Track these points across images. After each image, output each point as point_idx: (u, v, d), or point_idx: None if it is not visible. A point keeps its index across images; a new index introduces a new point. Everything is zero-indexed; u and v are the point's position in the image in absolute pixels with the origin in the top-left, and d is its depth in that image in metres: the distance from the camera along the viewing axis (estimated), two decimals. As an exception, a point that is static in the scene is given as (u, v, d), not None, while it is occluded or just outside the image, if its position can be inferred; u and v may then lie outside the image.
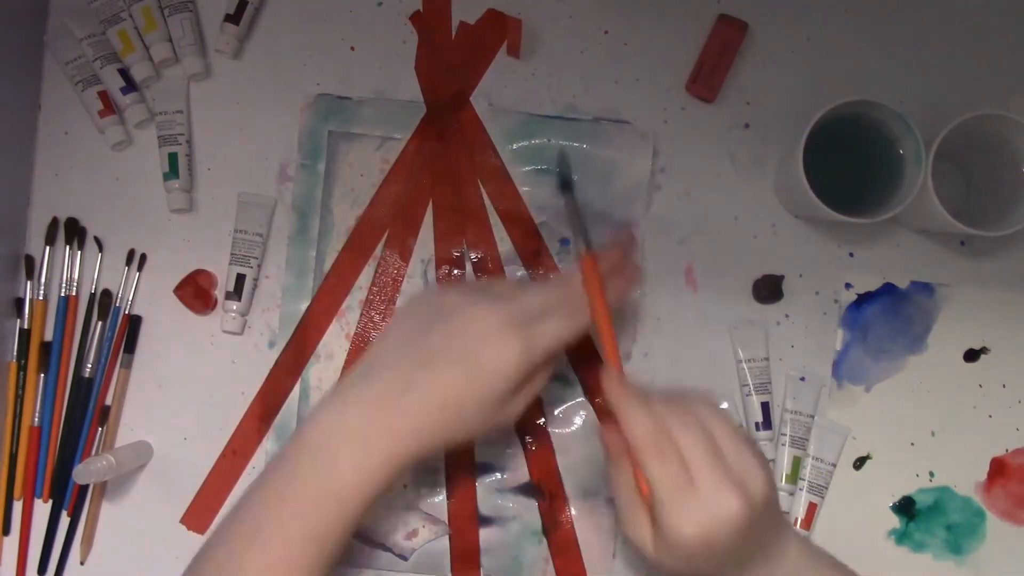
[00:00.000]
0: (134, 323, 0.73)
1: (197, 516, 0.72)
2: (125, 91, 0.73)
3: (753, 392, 0.72)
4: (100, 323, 0.73)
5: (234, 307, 0.72)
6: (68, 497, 0.72)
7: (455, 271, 0.73)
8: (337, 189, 0.74)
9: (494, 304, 0.55)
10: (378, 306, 0.73)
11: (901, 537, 0.72)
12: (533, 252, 0.73)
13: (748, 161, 0.74)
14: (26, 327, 0.73)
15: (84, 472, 0.66)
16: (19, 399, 0.72)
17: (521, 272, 0.73)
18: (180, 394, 0.73)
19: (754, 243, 0.73)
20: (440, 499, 0.72)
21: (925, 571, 0.71)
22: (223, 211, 0.74)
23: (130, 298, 0.73)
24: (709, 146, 0.74)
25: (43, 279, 0.73)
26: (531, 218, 0.73)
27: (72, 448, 0.72)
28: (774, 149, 0.73)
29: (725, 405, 0.72)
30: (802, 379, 0.72)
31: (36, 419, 0.72)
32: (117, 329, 0.73)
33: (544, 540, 0.71)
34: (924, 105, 0.71)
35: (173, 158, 0.72)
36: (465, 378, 0.54)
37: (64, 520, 0.72)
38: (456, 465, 0.72)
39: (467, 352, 0.54)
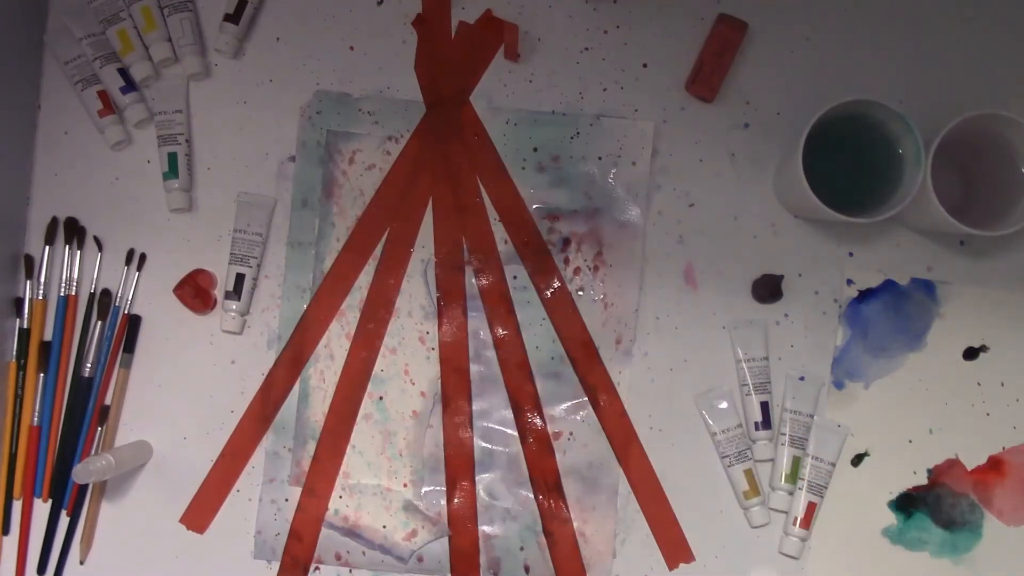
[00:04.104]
0: (134, 323, 0.73)
1: (197, 515, 0.72)
2: (125, 91, 0.73)
3: (753, 391, 0.72)
4: (100, 323, 0.73)
5: (234, 307, 0.72)
6: (68, 497, 0.72)
7: (450, 264, 0.73)
8: (337, 189, 0.74)
9: None
10: (378, 306, 0.73)
11: (898, 535, 0.72)
12: (533, 251, 0.73)
13: (748, 161, 0.74)
14: (26, 327, 0.73)
15: (83, 472, 0.66)
16: (19, 399, 0.72)
17: (520, 274, 0.73)
18: (180, 394, 0.73)
19: (754, 243, 0.73)
20: (440, 499, 0.72)
21: (922, 569, 0.71)
22: (223, 211, 0.74)
23: (130, 298, 0.73)
24: (709, 146, 0.74)
25: (43, 279, 0.73)
26: (531, 217, 0.73)
27: (72, 448, 0.72)
28: (774, 149, 0.74)
29: (724, 404, 0.72)
30: (801, 378, 0.72)
31: (36, 419, 0.72)
32: (117, 329, 0.73)
33: (544, 540, 0.72)
34: (924, 105, 0.71)
35: (173, 158, 0.72)
36: None
37: (64, 520, 0.73)
38: (456, 465, 0.72)
39: None
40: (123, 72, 0.73)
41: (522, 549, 0.72)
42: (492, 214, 0.74)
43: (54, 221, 0.74)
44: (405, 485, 0.72)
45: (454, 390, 0.73)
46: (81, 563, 0.72)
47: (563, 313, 0.73)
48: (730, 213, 0.73)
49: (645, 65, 0.74)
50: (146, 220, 0.74)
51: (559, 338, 0.73)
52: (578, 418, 0.72)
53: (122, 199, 0.74)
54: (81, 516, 0.72)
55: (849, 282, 0.73)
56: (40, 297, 0.73)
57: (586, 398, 0.72)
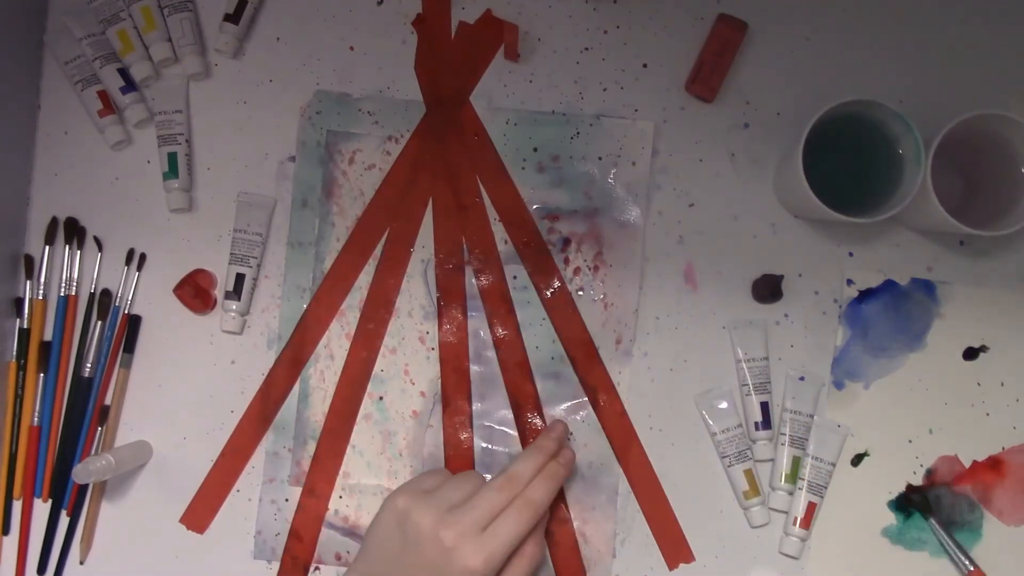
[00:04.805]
0: (134, 323, 0.73)
1: (197, 515, 0.72)
2: (125, 91, 0.73)
3: (753, 392, 0.72)
4: (100, 323, 0.73)
5: (233, 307, 0.72)
6: (68, 497, 0.72)
7: (450, 264, 0.73)
8: (337, 189, 0.74)
9: (452, 526, 0.60)
10: (378, 306, 0.73)
11: (897, 535, 0.72)
12: (533, 251, 0.73)
13: (748, 161, 0.74)
14: (26, 327, 0.73)
15: (83, 472, 0.66)
16: (19, 399, 0.72)
17: (520, 274, 0.73)
18: (180, 394, 0.73)
19: (754, 243, 0.73)
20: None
21: (921, 569, 0.71)
22: (222, 211, 0.74)
23: (129, 298, 0.73)
24: (709, 146, 0.74)
25: (43, 279, 0.73)
26: (531, 217, 0.73)
27: (72, 448, 0.72)
28: (774, 149, 0.74)
29: (725, 404, 0.72)
30: (801, 379, 0.72)
31: (36, 419, 0.72)
32: (116, 329, 0.73)
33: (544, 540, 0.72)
34: (924, 105, 0.71)
35: (173, 158, 0.72)
36: None
37: (64, 520, 0.73)
38: (456, 465, 0.72)
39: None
40: (123, 72, 0.73)
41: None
42: (492, 214, 0.74)
43: (54, 221, 0.74)
44: (405, 485, 0.72)
45: (454, 390, 0.73)
46: (81, 563, 0.72)
47: (563, 313, 0.73)
48: (730, 213, 0.73)
49: (645, 65, 0.74)
50: (146, 220, 0.74)
51: (559, 338, 0.73)
52: (578, 418, 0.72)
53: (122, 199, 0.74)
54: (81, 516, 0.72)
55: (849, 282, 0.73)
56: (40, 297, 0.73)
57: (586, 398, 0.72)
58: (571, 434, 0.72)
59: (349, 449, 0.73)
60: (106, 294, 0.73)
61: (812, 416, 0.72)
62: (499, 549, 0.60)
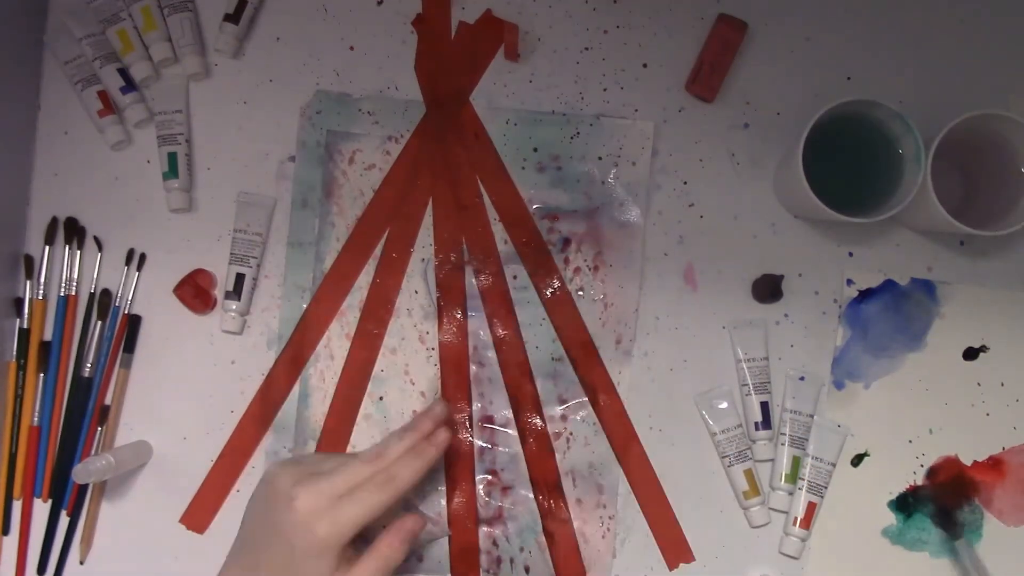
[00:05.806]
0: (133, 323, 0.73)
1: (197, 516, 0.72)
2: (124, 91, 0.73)
3: (753, 392, 0.72)
4: (100, 323, 0.73)
5: (233, 307, 0.72)
6: (67, 497, 0.72)
7: (451, 262, 0.73)
8: (337, 189, 0.74)
9: (307, 489, 0.60)
10: (378, 306, 0.73)
11: (897, 535, 0.72)
12: (533, 251, 0.73)
13: (748, 161, 0.74)
14: (25, 327, 0.73)
15: (83, 472, 0.66)
16: (19, 399, 0.72)
17: (520, 274, 0.73)
18: (180, 394, 0.73)
19: (754, 243, 0.73)
20: (440, 499, 0.72)
21: (922, 569, 0.71)
22: (222, 211, 0.74)
23: (129, 298, 0.73)
24: (709, 146, 0.74)
25: (42, 279, 0.73)
26: (531, 217, 0.73)
27: (72, 448, 0.72)
28: (774, 149, 0.74)
29: (724, 404, 0.72)
30: (801, 378, 0.72)
31: (36, 419, 0.72)
32: (116, 329, 0.73)
33: (544, 540, 0.72)
34: (924, 105, 0.71)
35: (172, 158, 0.72)
36: (287, 563, 0.60)
37: (63, 520, 0.72)
38: (456, 465, 0.72)
39: (287, 543, 0.60)
40: (123, 72, 0.73)
41: (522, 549, 0.72)
42: (492, 214, 0.74)
43: (54, 221, 0.74)
44: (405, 485, 0.72)
45: (454, 390, 0.73)
46: (81, 563, 0.72)
47: (563, 313, 0.73)
48: (730, 213, 0.73)
49: (645, 65, 0.74)
50: (146, 220, 0.74)
51: (559, 338, 0.73)
52: (578, 418, 0.72)
53: (122, 199, 0.74)
54: (81, 516, 0.72)
55: (849, 282, 0.73)
56: (40, 297, 0.73)
57: (586, 398, 0.72)
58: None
59: (349, 449, 0.73)
60: (106, 294, 0.73)
61: (812, 416, 0.72)
62: (349, 520, 0.59)
